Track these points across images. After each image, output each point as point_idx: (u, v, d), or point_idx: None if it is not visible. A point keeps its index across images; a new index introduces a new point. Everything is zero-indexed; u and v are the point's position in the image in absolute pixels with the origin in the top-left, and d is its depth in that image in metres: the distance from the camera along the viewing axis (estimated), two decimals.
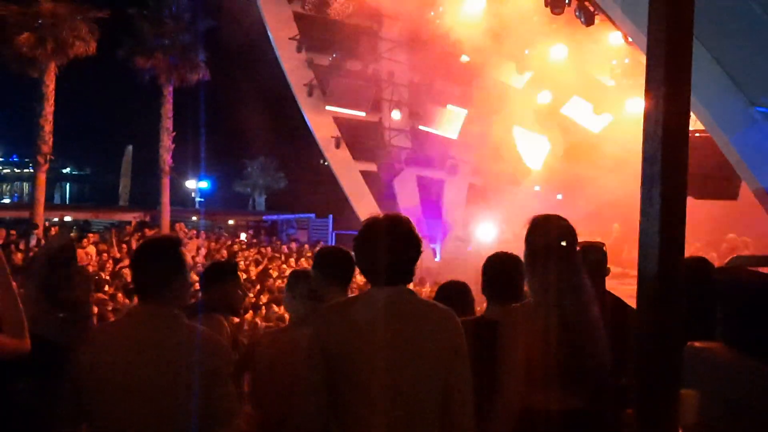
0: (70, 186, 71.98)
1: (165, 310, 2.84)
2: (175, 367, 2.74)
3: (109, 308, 9.41)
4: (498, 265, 3.72)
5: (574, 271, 2.97)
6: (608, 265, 4.34)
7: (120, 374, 2.68)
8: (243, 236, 27.93)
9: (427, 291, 13.65)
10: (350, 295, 3.67)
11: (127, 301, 11.28)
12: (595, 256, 4.33)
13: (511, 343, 2.80)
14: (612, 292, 4.21)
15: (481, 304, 4.09)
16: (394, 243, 2.74)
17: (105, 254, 17.39)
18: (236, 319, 10.19)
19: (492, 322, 3.10)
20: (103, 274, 14.09)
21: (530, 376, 2.79)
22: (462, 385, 2.66)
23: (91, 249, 16.96)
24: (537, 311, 2.88)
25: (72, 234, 21.69)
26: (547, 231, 3.08)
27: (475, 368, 2.71)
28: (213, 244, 23.16)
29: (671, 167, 2.50)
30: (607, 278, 4.36)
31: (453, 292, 4.17)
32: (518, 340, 2.80)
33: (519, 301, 3.45)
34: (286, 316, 6.35)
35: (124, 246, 19.12)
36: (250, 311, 12.82)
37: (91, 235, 20.75)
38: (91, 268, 13.70)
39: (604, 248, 4.39)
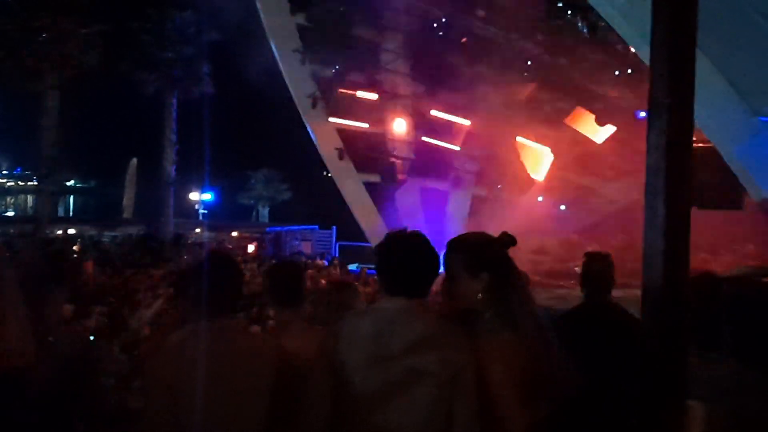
0: (74, 199, 72.10)
1: (235, 322, 3.13)
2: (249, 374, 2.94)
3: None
4: None
5: (517, 282, 2.95)
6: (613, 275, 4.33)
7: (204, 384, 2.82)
8: (250, 248, 27.88)
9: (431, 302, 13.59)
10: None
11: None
12: (600, 266, 4.32)
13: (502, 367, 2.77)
14: (617, 302, 4.20)
15: None
16: (416, 259, 2.77)
17: (106, 268, 17.34)
18: None
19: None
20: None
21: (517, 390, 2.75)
22: (466, 409, 2.63)
23: (89, 264, 16.89)
24: (504, 331, 2.84)
25: (76, 247, 21.71)
26: (496, 251, 3.04)
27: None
28: None
29: (675, 178, 2.50)
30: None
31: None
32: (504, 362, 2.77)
33: None
34: None
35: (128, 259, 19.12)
36: (256, 325, 12.74)
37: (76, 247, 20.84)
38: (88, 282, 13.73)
39: (610, 258, 4.37)
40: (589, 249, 4.69)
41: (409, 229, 2.88)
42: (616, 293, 4.26)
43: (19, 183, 67.41)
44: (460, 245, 2.99)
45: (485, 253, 2.93)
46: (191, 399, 2.78)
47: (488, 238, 3.01)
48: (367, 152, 26.32)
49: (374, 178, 26.53)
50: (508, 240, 2.97)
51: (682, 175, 2.53)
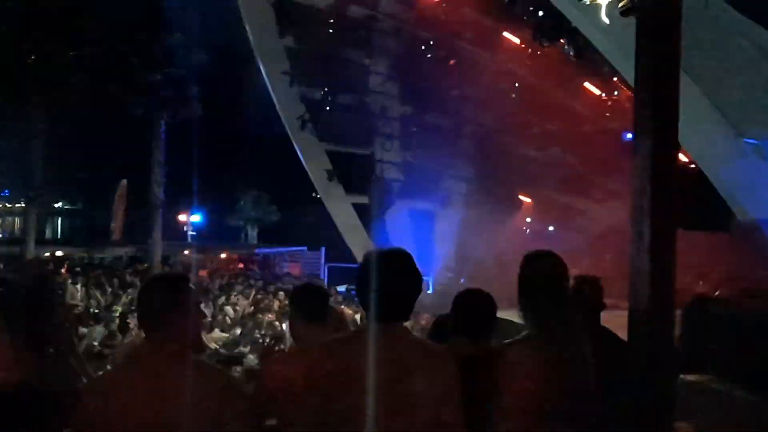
0: (62, 221, 71.59)
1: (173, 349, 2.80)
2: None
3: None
4: (471, 302, 3.65)
5: (564, 307, 2.95)
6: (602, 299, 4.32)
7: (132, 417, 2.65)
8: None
9: (423, 324, 13.54)
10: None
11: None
12: (590, 290, 4.32)
13: (510, 379, 2.77)
14: (605, 325, 4.20)
15: None
16: (397, 279, 2.71)
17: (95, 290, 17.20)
18: None
19: (488, 356, 3.06)
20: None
21: (525, 411, 2.75)
22: (454, 428, 2.62)
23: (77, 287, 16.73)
24: (530, 346, 2.85)
25: (64, 270, 21.56)
26: (540, 267, 3.07)
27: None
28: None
29: (660, 200, 2.51)
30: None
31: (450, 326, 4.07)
32: (516, 375, 2.77)
33: (490, 339, 3.42)
34: None
35: (117, 281, 18.98)
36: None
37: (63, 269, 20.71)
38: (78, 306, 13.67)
39: (600, 282, 4.37)
40: (578, 270, 4.68)
41: (389, 248, 2.85)
42: (604, 315, 4.26)
43: (7, 205, 66.93)
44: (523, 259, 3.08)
45: (523, 270, 2.99)
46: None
47: (534, 255, 3.07)
48: (356, 174, 26.38)
49: (363, 200, 26.56)
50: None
51: (667, 197, 2.54)
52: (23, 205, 28.72)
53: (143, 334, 2.86)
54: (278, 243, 37.79)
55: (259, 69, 25.17)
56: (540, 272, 3.02)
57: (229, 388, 2.87)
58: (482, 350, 3.19)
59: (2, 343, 2.82)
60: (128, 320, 11.69)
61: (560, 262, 3.05)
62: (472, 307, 3.55)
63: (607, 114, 22.71)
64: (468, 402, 2.67)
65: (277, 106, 25.52)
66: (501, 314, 3.52)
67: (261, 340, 12.89)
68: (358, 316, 14.29)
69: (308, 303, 3.68)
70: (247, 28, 24.54)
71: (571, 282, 4.37)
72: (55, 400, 2.77)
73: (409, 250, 2.81)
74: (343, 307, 16.16)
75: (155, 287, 2.92)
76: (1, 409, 2.74)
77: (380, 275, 2.73)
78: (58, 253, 29.98)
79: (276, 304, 17.08)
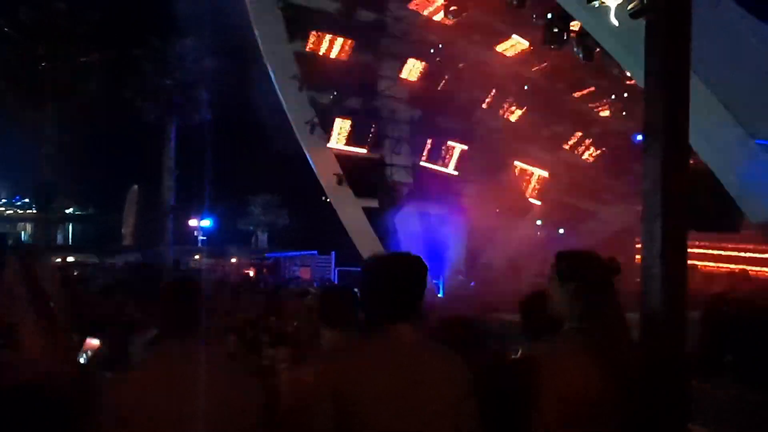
0: (73, 226, 71.87)
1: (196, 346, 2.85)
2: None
3: None
4: (539, 304, 3.53)
5: (616, 304, 2.91)
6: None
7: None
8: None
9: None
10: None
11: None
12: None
13: (549, 380, 2.74)
14: None
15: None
16: (403, 280, 2.72)
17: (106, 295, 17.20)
18: None
19: (531, 360, 3.01)
20: None
21: (568, 410, 2.71)
22: (471, 429, 2.62)
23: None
24: (580, 345, 2.81)
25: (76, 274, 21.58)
26: (593, 265, 3.03)
27: (512, 409, 2.70)
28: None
29: (671, 202, 2.50)
30: None
31: (459, 328, 4.04)
32: (557, 375, 2.74)
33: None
34: None
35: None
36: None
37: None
38: None
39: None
40: None
41: (389, 252, 2.86)
42: None
43: (18, 211, 67.23)
44: (561, 254, 3.03)
45: (577, 265, 2.93)
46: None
47: (589, 254, 3.01)
48: (365, 178, 26.35)
49: (373, 204, 26.53)
50: (612, 266, 2.96)
51: (678, 200, 2.53)
52: (34, 212, 28.88)
53: None
54: (289, 247, 37.80)
55: (269, 74, 25.21)
56: (587, 266, 2.96)
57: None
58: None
59: (33, 334, 2.89)
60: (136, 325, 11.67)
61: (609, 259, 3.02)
62: (541, 309, 3.47)
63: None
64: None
65: (287, 111, 25.53)
66: (514, 317, 3.49)
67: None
68: None
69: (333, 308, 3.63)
70: (257, 33, 24.59)
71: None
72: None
73: (419, 254, 2.81)
74: None
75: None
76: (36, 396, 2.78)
77: (380, 278, 2.75)
78: (69, 259, 30.11)
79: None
